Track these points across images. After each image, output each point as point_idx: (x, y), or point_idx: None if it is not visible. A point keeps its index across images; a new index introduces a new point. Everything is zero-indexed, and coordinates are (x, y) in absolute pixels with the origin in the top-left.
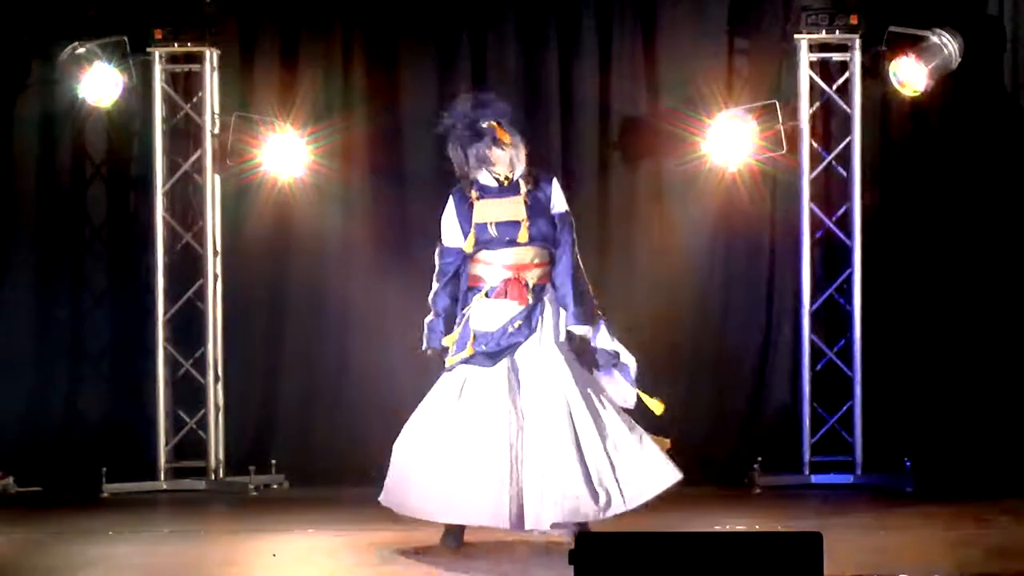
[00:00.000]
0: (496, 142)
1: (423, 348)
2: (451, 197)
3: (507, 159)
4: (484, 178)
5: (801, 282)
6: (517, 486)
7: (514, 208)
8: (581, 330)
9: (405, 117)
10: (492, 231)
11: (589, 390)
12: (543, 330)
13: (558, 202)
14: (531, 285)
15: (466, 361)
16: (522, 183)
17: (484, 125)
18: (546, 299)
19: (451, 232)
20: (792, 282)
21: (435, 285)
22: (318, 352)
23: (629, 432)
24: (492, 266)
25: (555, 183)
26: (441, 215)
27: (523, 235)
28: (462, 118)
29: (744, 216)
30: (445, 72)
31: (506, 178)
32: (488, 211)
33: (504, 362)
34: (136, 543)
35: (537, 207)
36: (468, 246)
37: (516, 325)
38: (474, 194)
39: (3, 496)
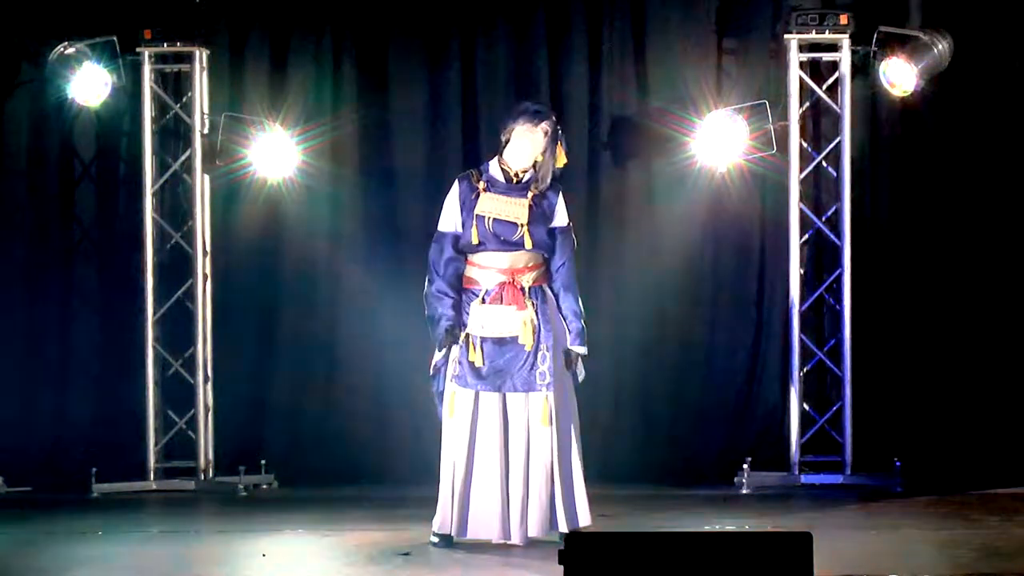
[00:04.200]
0: (538, 121)
1: (438, 346)
2: (457, 182)
3: (530, 149)
4: (494, 169)
5: (791, 282)
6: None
7: (516, 209)
8: (580, 350)
9: (395, 117)
10: (489, 226)
11: (564, 419)
12: (543, 346)
13: (561, 215)
14: (527, 289)
15: (474, 383)
16: (532, 187)
17: (543, 109)
18: (550, 312)
19: (450, 217)
20: (782, 282)
21: (428, 286)
22: (308, 352)
23: (576, 464)
24: (487, 270)
25: (561, 196)
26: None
27: (526, 240)
28: (530, 104)
29: (734, 216)
30: (435, 71)
31: (516, 175)
32: (490, 205)
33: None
34: (126, 543)
35: (540, 215)
36: (474, 238)
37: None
38: (482, 184)
39: None
